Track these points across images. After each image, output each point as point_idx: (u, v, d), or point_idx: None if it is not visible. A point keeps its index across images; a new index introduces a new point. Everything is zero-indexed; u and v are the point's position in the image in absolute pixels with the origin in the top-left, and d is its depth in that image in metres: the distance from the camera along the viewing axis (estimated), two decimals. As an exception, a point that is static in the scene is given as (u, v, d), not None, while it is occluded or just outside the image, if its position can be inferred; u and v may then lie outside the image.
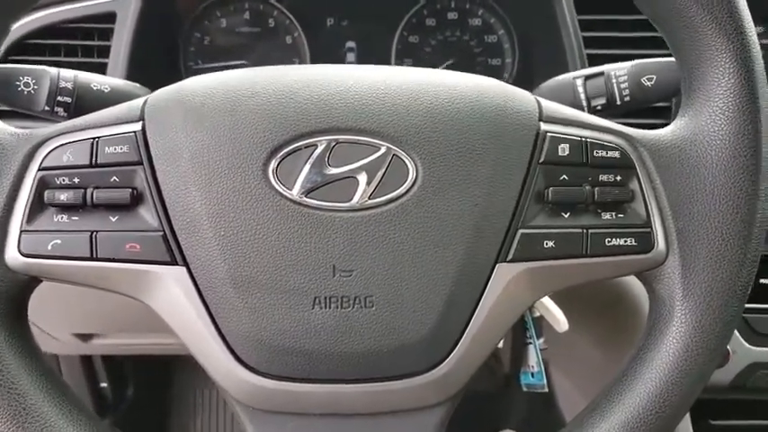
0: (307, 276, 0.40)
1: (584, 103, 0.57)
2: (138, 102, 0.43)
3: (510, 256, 0.42)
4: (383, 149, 0.41)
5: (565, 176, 0.43)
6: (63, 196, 0.41)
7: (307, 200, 0.40)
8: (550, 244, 0.42)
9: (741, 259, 0.41)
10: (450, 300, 0.41)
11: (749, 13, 0.41)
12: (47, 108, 0.54)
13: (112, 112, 0.43)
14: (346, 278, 0.40)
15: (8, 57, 0.73)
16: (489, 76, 0.46)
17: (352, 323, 0.41)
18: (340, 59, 0.89)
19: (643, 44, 0.73)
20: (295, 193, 0.40)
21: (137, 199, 0.41)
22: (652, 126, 0.47)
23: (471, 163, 0.41)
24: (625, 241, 0.43)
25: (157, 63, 0.81)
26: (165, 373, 1.34)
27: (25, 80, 0.54)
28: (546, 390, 0.64)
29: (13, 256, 0.41)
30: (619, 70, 0.57)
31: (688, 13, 0.41)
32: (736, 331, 0.71)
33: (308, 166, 0.41)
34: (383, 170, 0.41)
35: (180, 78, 0.45)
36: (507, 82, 0.85)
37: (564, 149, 0.43)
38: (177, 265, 0.41)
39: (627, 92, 0.56)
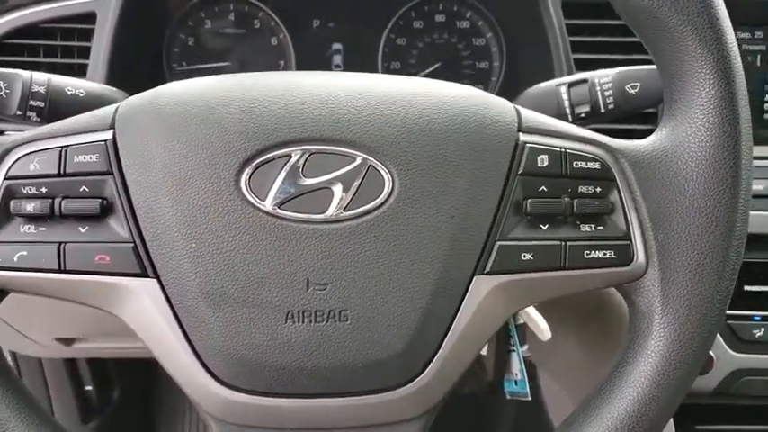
0: (279, 290, 0.39)
1: (568, 111, 0.57)
2: (110, 109, 0.42)
3: (487, 269, 0.41)
4: (359, 160, 0.40)
5: (544, 188, 0.42)
6: (30, 206, 0.40)
7: (280, 211, 0.40)
8: (528, 256, 0.41)
9: (720, 272, 0.41)
10: (426, 313, 0.40)
11: (730, 24, 0.40)
12: (19, 113, 0.53)
13: (82, 120, 0.42)
14: (320, 291, 0.40)
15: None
16: (477, 79, 0.46)
17: (326, 337, 0.40)
18: (326, 61, 0.88)
19: (630, 49, 0.72)
20: (268, 204, 0.40)
21: (106, 209, 0.40)
22: (639, 131, 0.46)
23: (449, 174, 0.41)
24: (604, 254, 0.42)
25: (140, 65, 0.79)
26: (150, 376, 1.33)
27: None
28: (529, 398, 0.63)
29: None
30: (603, 78, 0.56)
31: (668, 24, 0.40)
32: (720, 338, 0.71)
33: (281, 177, 0.40)
34: (359, 181, 0.40)
35: (164, 80, 0.44)
36: (495, 85, 0.85)
37: (543, 160, 0.42)
38: (148, 277, 0.40)
39: (611, 99, 0.56)
